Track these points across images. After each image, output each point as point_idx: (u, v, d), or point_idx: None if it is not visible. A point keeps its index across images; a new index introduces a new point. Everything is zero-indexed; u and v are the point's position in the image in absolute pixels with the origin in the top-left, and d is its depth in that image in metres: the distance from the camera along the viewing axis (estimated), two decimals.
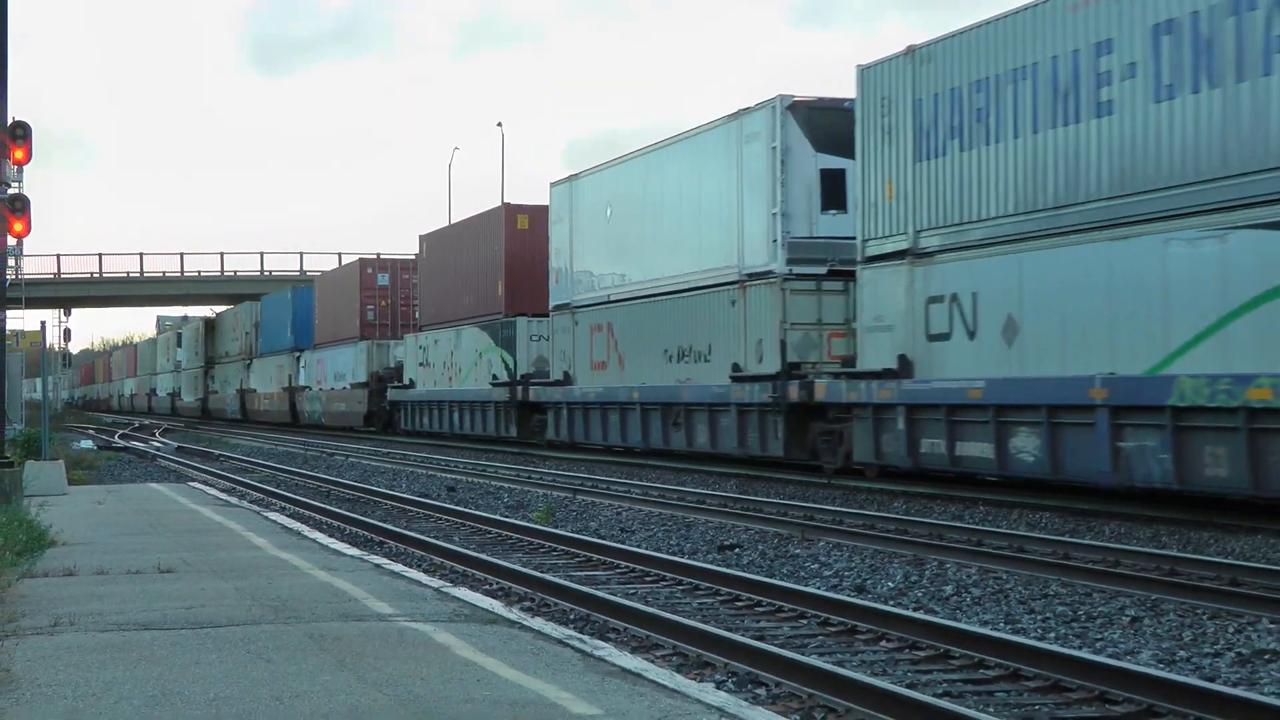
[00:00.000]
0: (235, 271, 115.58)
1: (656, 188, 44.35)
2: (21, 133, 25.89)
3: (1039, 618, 15.69)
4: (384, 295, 75.24)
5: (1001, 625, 15.19)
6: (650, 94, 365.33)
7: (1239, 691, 11.39)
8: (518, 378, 54.45)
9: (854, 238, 32.98)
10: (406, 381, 68.60)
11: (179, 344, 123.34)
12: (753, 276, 37.93)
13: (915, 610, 15.91)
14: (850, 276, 34.08)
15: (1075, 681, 12.15)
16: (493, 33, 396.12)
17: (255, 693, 10.28)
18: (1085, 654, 12.99)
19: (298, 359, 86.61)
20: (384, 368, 72.53)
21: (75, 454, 48.96)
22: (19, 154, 26.21)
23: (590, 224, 48.94)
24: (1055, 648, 13.25)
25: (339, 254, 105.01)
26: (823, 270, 36.48)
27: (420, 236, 68.54)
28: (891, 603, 16.65)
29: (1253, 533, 21.99)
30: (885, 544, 21.93)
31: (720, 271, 39.81)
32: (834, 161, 36.26)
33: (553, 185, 52.30)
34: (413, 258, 73.64)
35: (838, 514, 26.20)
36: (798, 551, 21.57)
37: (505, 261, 56.54)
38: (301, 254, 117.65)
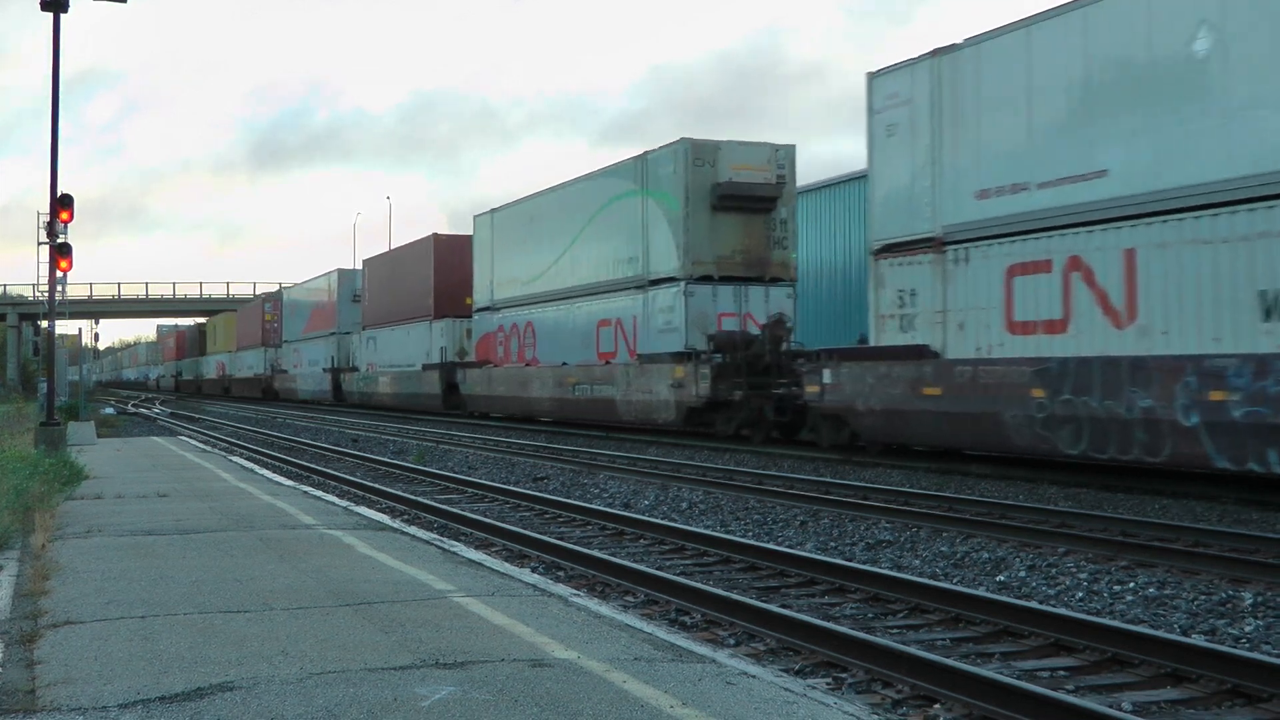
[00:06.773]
0: (209, 295, 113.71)
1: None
2: (66, 202, 26.67)
3: (742, 523, 15.80)
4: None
5: (718, 528, 15.27)
6: (503, 175, 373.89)
7: (866, 567, 11.53)
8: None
9: None
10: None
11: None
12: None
13: (662, 519, 15.93)
14: None
15: (765, 564, 12.26)
16: (417, 146, 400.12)
17: (223, 576, 9.99)
18: (770, 545, 13.08)
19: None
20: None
21: (102, 417, 47.49)
22: (65, 216, 26.55)
23: None
24: (752, 541, 13.32)
25: (279, 283, 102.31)
26: None
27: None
28: (647, 514, 16.64)
29: (876, 465, 22.40)
30: (643, 476, 21.95)
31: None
32: None
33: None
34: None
35: (612, 456, 26.19)
36: (586, 481, 21.52)
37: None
38: (254, 283, 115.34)
